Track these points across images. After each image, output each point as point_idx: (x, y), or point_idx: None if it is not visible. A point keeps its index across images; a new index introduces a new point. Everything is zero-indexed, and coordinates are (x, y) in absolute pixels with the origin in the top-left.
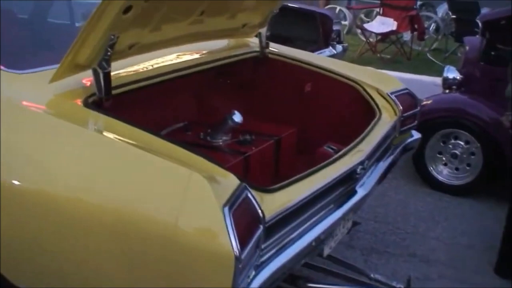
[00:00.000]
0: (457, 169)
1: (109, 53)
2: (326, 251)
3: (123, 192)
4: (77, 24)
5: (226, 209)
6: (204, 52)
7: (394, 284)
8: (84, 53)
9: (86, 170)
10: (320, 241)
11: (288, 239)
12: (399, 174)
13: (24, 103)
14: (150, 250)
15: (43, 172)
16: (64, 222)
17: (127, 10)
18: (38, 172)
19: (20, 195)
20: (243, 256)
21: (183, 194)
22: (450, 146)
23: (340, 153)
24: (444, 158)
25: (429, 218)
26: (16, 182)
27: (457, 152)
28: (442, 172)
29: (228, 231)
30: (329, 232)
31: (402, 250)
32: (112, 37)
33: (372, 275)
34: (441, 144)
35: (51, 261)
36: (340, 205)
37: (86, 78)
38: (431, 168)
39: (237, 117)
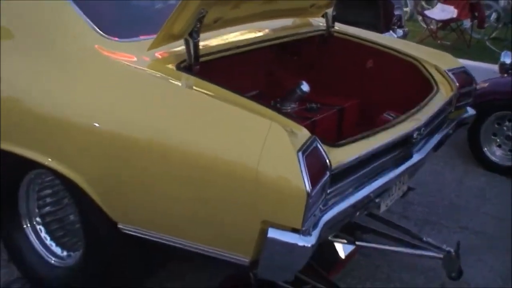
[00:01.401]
0: (510, 150)
1: (198, 26)
2: (383, 207)
3: (212, 140)
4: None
5: (300, 153)
6: (274, 29)
7: (444, 247)
8: (179, 25)
9: (181, 121)
10: (377, 194)
11: (349, 188)
12: (455, 154)
13: (128, 65)
14: (234, 189)
15: (146, 122)
16: (161, 166)
17: None
18: (144, 122)
19: (126, 140)
20: (312, 194)
21: (263, 141)
22: (505, 128)
23: (399, 119)
24: (498, 140)
25: (481, 195)
26: (124, 132)
27: (510, 134)
28: (496, 153)
29: (301, 171)
30: (386, 188)
31: (454, 222)
32: (202, 11)
33: (424, 238)
34: (496, 126)
35: (148, 200)
36: (397, 166)
37: (178, 48)
38: (485, 149)
39: (305, 87)
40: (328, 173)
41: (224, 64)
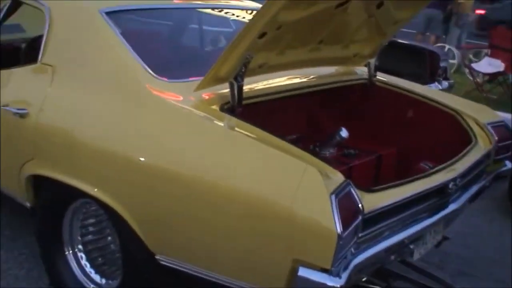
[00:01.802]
0: None
1: (243, 70)
2: (416, 255)
3: (251, 179)
4: (206, 48)
5: (333, 196)
6: (317, 76)
7: None
8: (225, 68)
9: (221, 159)
10: (410, 240)
11: (382, 233)
12: (494, 207)
13: (175, 104)
14: (269, 226)
15: (189, 159)
16: (200, 202)
17: (262, 35)
18: (187, 159)
19: (168, 175)
20: (343, 236)
21: (299, 182)
22: None
23: (435, 169)
24: None
25: None
26: (167, 167)
27: None
28: None
29: (333, 213)
30: (419, 236)
31: (489, 275)
32: (248, 56)
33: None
34: None
35: (185, 233)
36: (431, 215)
37: (222, 90)
38: None
39: (344, 133)
40: (360, 217)
41: (266, 108)
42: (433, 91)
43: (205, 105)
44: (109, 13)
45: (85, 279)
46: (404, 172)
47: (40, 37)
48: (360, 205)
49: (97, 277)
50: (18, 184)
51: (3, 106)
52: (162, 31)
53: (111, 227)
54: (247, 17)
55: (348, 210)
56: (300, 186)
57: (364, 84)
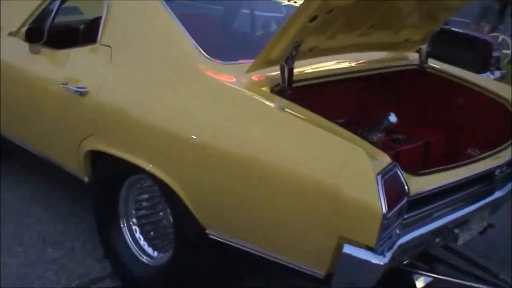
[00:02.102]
0: None
1: (294, 53)
2: (460, 240)
3: (299, 158)
4: (257, 33)
5: (379, 177)
6: (367, 61)
7: None
8: (276, 51)
9: (271, 138)
10: (455, 225)
11: (427, 216)
12: None
13: (227, 85)
14: (315, 204)
15: (240, 137)
16: (250, 178)
17: (313, 19)
18: (238, 137)
19: (220, 152)
20: (388, 215)
21: (346, 162)
22: None
23: (482, 155)
24: None
25: None
26: (219, 145)
27: None
28: None
29: (379, 193)
30: (464, 221)
31: None
32: (298, 40)
33: (501, 276)
34: None
35: (234, 209)
36: (477, 200)
37: (273, 72)
38: None
39: (392, 118)
40: (405, 198)
41: (316, 91)
42: (484, 80)
43: (256, 87)
44: None
45: (138, 251)
46: (452, 158)
47: (98, 19)
48: (406, 187)
49: (149, 250)
50: (76, 159)
51: (62, 84)
52: (215, 16)
53: (163, 202)
54: (298, 2)
55: (393, 191)
56: (347, 166)
57: (415, 70)
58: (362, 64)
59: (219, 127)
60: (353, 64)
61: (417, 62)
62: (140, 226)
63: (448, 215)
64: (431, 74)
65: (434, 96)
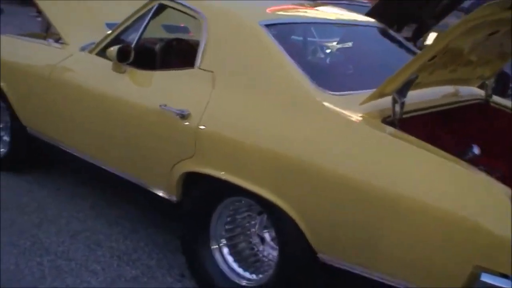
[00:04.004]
0: None
1: (407, 88)
2: None
3: (431, 189)
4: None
5: None
6: (443, 94)
7: None
8: (393, 85)
9: (392, 167)
10: None
11: None
12: None
13: (343, 115)
14: (451, 235)
15: (357, 165)
16: (371, 206)
17: (432, 58)
18: (355, 165)
19: (339, 178)
20: None
21: (482, 194)
22: None
23: None
24: None
25: None
26: (338, 171)
27: None
28: None
29: None
30: None
31: None
32: (414, 75)
33: None
34: None
35: (355, 235)
36: None
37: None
38: None
39: (476, 150)
40: None
41: (414, 122)
42: None
43: (369, 118)
44: (268, 26)
45: (229, 272)
46: None
47: (193, 44)
48: None
49: (240, 271)
50: (166, 180)
51: (160, 105)
52: (314, 44)
53: (261, 224)
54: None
55: None
56: (484, 198)
57: (480, 103)
58: (442, 98)
59: (334, 154)
60: (436, 98)
61: (481, 96)
62: (230, 247)
63: None
64: (495, 109)
65: (498, 131)
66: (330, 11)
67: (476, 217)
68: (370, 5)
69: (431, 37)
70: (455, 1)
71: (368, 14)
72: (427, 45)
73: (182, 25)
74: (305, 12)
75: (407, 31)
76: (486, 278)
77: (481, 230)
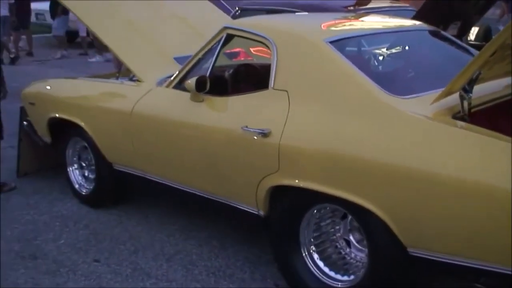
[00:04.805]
0: None
1: (472, 84)
2: None
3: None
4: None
5: None
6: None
7: None
8: (459, 83)
9: (469, 160)
10: None
11: None
12: None
13: (417, 116)
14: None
15: (433, 160)
16: (449, 197)
17: (493, 54)
18: (431, 160)
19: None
20: None
21: None
22: None
23: None
24: None
25: None
26: (418, 167)
27: None
28: None
29: None
30: None
31: None
32: (478, 72)
33: None
34: None
35: (437, 225)
36: None
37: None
38: None
39: None
40: None
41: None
42: None
43: (440, 115)
44: (332, 42)
45: (322, 276)
46: None
47: (259, 66)
48: None
49: (332, 273)
50: (253, 195)
51: (242, 127)
52: (376, 53)
53: (350, 228)
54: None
55: None
56: None
57: None
58: (504, 89)
59: (415, 152)
60: (498, 89)
61: None
62: (319, 252)
63: None
64: None
65: None
66: (380, 20)
67: None
68: (409, 7)
69: (473, 32)
70: None
71: (414, 17)
72: (471, 41)
73: (239, 50)
74: (357, 24)
75: (452, 29)
76: None
77: None
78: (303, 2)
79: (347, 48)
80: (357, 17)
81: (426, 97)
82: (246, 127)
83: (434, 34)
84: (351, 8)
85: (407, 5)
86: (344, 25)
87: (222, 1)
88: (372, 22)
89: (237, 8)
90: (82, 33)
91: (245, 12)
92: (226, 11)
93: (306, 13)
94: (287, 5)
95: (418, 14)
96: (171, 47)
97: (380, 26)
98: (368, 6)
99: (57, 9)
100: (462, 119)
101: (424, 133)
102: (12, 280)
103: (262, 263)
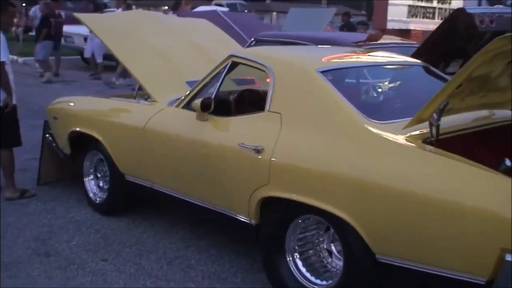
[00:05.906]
0: None
1: (440, 113)
2: None
3: (464, 191)
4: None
5: None
6: (475, 117)
7: None
8: (428, 111)
9: (438, 177)
10: None
11: None
12: None
13: (390, 139)
14: (482, 225)
15: (405, 177)
16: (418, 211)
17: (459, 86)
18: (403, 178)
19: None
20: None
21: (507, 192)
22: None
23: None
24: None
25: None
26: (390, 184)
27: None
28: None
29: None
30: None
31: None
32: (445, 102)
33: None
34: None
35: (407, 236)
36: None
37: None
38: None
39: (508, 162)
40: None
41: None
42: None
43: (411, 140)
44: (323, 72)
45: (304, 280)
46: None
47: (261, 92)
48: None
49: (313, 278)
50: (247, 206)
51: (239, 144)
52: (365, 84)
53: (328, 236)
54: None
55: None
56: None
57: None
58: (475, 121)
59: (388, 172)
60: (469, 121)
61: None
62: (302, 258)
63: None
64: None
65: None
66: (379, 55)
67: (504, 212)
68: (414, 44)
69: None
70: (495, 34)
71: (413, 55)
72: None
73: (248, 78)
74: (357, 57)
75: (453, 66)
76: (510, 257)
77: (509, 219)
78: (316, 35)
79: (337, 78)
80: (360, 52)
81: (402, 123)
82: (243, 143)
83: (423, 69)
84: (360, 43)
85: (414, 42)
86: (342, 58)
87: (239, 31)
88: (370, 56)
89: (252, 39)
90: (99, 60)
91: (260, 42)
92: (242, 41)
93: (314, 45)
94: (301, 38)
95: (419, 51)
96: (184, 72)
97: (373, 60)
98: (378, 42)
99: (41, 34)
100: (430, 143)
101: (394, 154)
102: (27, 272)
103: (254, 270)
